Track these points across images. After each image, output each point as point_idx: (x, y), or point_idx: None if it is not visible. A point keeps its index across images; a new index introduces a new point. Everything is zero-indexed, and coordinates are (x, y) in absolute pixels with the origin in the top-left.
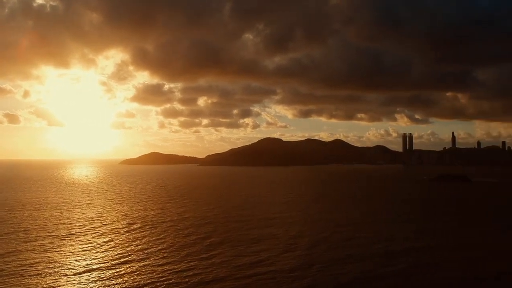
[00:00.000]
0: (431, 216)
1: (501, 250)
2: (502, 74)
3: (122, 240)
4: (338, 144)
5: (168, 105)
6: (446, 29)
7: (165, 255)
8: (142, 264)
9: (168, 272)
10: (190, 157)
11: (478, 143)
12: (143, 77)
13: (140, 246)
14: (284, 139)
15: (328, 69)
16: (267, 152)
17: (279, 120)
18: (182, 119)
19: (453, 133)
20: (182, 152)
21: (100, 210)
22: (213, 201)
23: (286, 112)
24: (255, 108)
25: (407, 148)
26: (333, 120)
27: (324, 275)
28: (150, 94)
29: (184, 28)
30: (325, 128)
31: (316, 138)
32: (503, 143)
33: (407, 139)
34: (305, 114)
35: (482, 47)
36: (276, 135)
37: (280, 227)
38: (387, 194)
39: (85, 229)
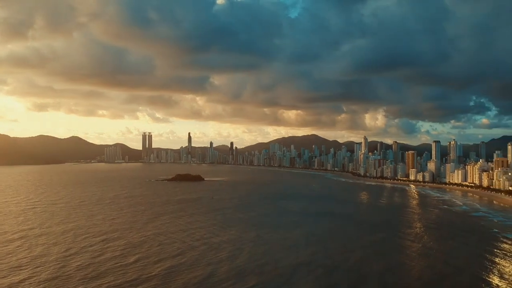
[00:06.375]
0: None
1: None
2: (234, 81)
3: None
4: (76, 141)
5: None
6: (190, 36)
7: None
8: None
9: None
10: None
11: (211, 143)
12: None
13: None
14: (12, 135)
15: (70, 62)
16: None
17: (8, 113)
18: None
19: (189, 133)
20: None
21: None
22: None
23: (17, 104)
24: None
25: (147, 146)
26: (73, 115)
27: None
28: None
29: None
30: (63, 123)
31: (51, 134)
32: (231, 143)
33: (146, 137)
34: (41, 107)
35: (220, 56)
36: (3, 130)
37: (26, 249)
38: (132, 196)
39: None
